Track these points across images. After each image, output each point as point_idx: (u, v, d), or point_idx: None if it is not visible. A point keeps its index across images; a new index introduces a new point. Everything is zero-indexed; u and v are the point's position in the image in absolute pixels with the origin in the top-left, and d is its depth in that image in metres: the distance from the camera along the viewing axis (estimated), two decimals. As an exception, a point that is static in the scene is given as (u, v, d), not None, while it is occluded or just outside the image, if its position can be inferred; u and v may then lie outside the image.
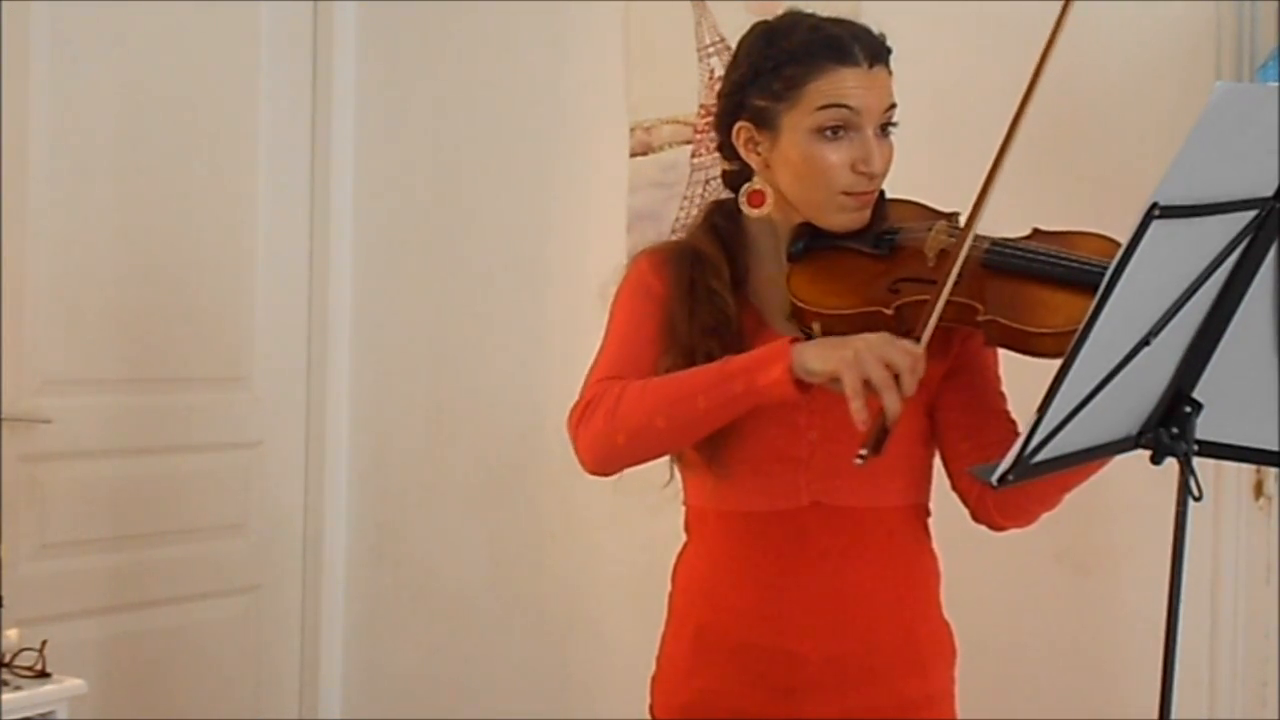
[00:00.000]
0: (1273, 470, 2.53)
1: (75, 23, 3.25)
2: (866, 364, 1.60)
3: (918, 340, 1.64)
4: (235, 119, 3.58)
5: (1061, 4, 1.64)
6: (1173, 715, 1.59)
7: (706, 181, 3.16)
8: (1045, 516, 1.84)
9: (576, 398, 1.82)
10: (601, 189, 3.33)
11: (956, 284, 1.67)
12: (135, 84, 3.38)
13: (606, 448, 1.78)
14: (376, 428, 3.73)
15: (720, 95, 1.89)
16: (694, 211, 3.16)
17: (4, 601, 2.77)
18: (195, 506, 3.54)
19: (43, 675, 2.79)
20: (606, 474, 1.83)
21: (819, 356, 1.65)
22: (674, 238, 2.18)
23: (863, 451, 1.60)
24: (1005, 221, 1.79)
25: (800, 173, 1.80)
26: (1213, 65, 2.58)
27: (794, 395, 1.67)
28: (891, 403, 1.59)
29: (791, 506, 1.83)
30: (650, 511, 3.14)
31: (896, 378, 1.60)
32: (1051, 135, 2.62)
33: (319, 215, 3.74)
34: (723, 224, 1.90)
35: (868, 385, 1.60)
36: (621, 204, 3.28)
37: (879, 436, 1.60)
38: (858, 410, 1.60)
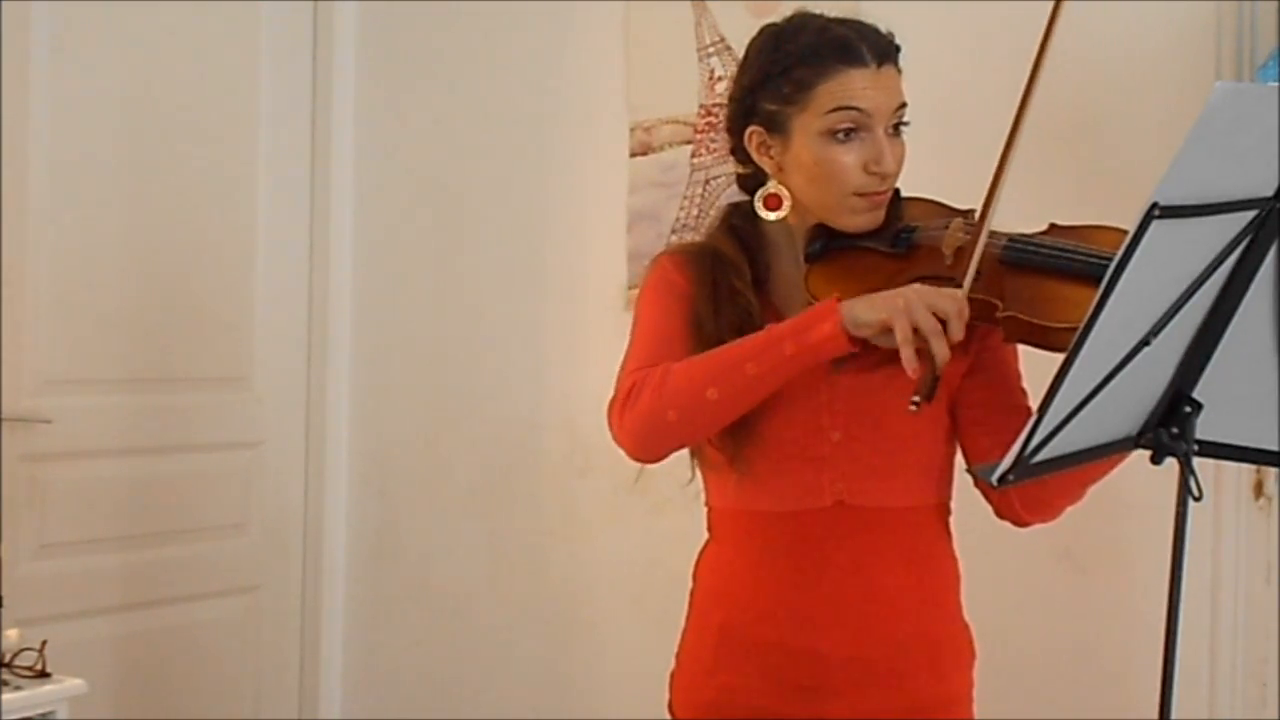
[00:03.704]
0: (1273, 470, 2.53)
1: (75, 23, 3.25)
2: (916, 311, 1.63)
3: (960, 287, 1.66)
4: (235, 119, 3.58)
5: (1054, 2, 1.65)
6: (1173, 715, 1.59)
7: (706, 181, 3.16)
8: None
9: (613, 391, 1.82)
10: (601, 189, 3.33)
11: (974, 280, 1.68)
12: (135, 84, 3.38)
13: (656, 426, 1.76)
14: (376, 428, 3.73)
15: (730, 100, 1.89)
16: (694, 211, 3.16)
17: (4, 601, 2.77)
18: (195, 506, 3.54)
19: (43, 675, 2.79)
20: (654, 458, 1.83)
21: (869, 308, 1.67)
22: (691, 239, 2.18)
23: (915, 398, 1.63)
24: (1020, 218, 1.79)
25: (813, 175, 1.80)
26: (1213, 65, 2.58)
27: (847, 349, 1.69)
28: (940, 349, 1.62)
29: (814, 506, 1.83)
30: (651, 511, 3.17)
31: (944, 324, 1.63)
32: (1052, 135, 2.62)
33: (319, 215, 3.74)
34: (741, 225, 1.90)
35: (916, 333, 1.63)
36: (621, 204, 3.28)
37: (930, 384, 1.63)
38: (909, 358, 1.63)
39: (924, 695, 1.86)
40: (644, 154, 3.26)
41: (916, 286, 1.67)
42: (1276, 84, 1.68)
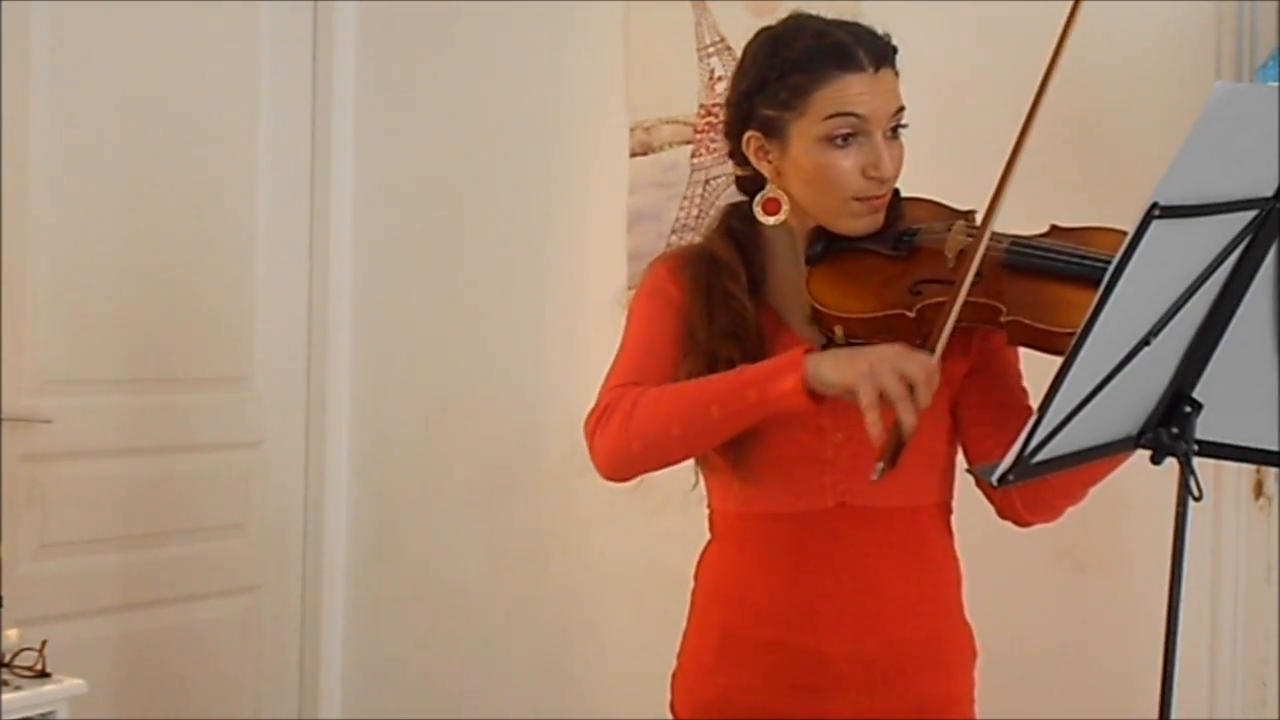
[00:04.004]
0: (1273, 470, 2.54)
1: (75, 23, 3.25)
2: (882, 376, 1.61)
3: (932, 351, 1.64)
4: (235, 119, 3.58)
5: (1071, 3, 1.64)
6: (1173, 715, 1.59)
7: (706, 181, 3.16)
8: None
9: (593, 403, 1.83)
10: (601, 189, 3.33)
11: (977, 284, 1.68)
12: (135, 84, 3.38)
13: (622, 455, 1.79)
14: (376, 428, 3.73)
15: (728, 104, 1.88)
16: (694, 211, 3.16)
17: (4, 601, 2.77)
18: (195, 506, 3.53)
19: (43, 675, 2.79)
20: (622, 480, 1.85)
21: (834, 368, 1.65)
22: (690, 242, 2.19)
23: (879, 464, 1.62)
24: (1021, 219, 1.79)
25: (812, 180, 1.80)
26: (1213, 65, 2.58)
27: (806, 406, 1.68)
28: (907, 415, 1.61)
29: (817, 508, 1.83)
30: (650, 511, 3.17)
31: (911, 389, 1.61)
32: (1052, 135, 2.62)
33: (319, 215, 3.74)
34: (738, 227, 1.90)
35: (883, 398, 1.61)
36: (621, 204, 3.28)
37: (895, 449, 1.61)
38: (873, 424, 1.61)
39: (925, 695, 1.86)
40: (644, 154, 3.26)
41: (885, 348, 1.65)
42: (1276, 84, 1.69)
